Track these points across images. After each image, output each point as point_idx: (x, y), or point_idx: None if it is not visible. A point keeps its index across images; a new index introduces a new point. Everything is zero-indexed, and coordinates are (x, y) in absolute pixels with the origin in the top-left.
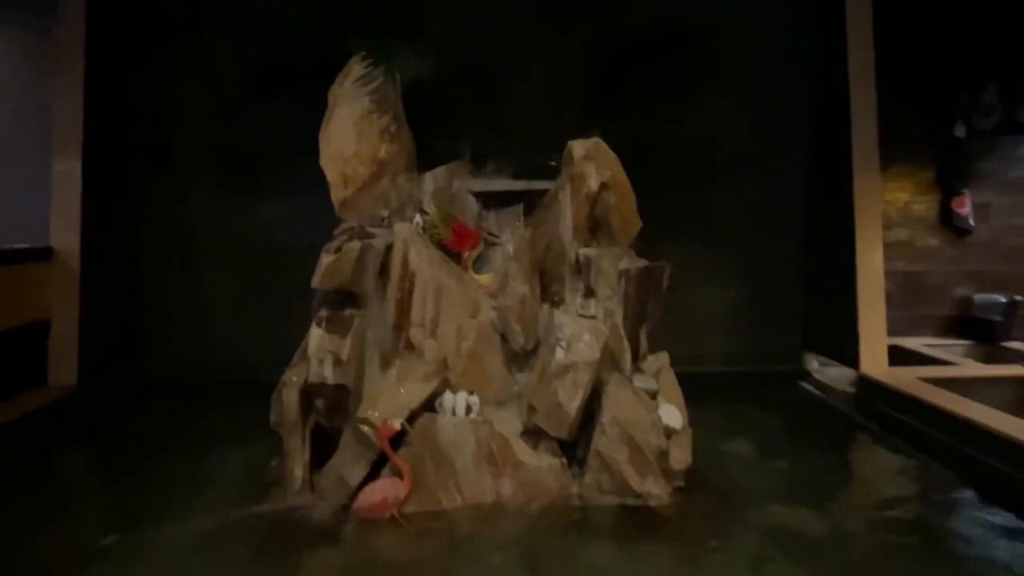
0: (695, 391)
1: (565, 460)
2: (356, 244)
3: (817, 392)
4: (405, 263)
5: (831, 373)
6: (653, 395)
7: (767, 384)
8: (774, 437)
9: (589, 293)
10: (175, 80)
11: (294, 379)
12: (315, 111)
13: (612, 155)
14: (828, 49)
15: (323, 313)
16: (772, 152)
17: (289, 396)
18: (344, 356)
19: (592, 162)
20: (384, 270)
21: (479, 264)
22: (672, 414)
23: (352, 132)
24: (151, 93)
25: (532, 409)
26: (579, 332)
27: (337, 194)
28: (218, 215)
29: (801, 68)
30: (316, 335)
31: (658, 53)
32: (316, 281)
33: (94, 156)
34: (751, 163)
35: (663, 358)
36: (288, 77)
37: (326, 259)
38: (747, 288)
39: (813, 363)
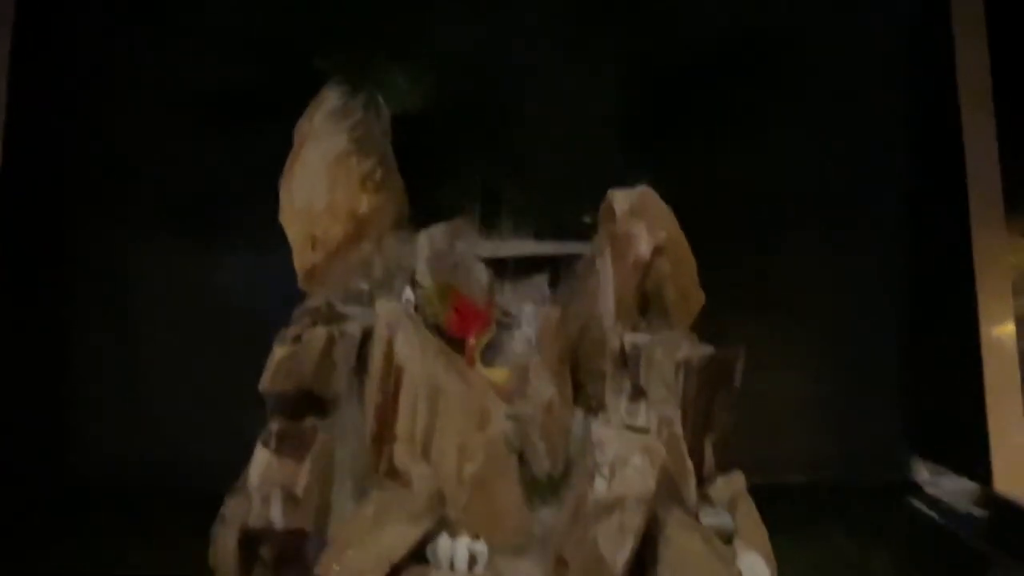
0: (771, 512)
1: None
2: (322, 330)
3: (931, 513)
4: (389, 355)
5: (948, 485)
6: (729, 538)
7: (865, 501)
8: None
9: (638, 395)
10: (110, 108)
11: (236, 513)
12: (287, 143)
13: (665, 208)
14: (931, 69)
15: (273, 427)
16: (862, 198)
17: (225, 540)
18: (299, 489)
19: (640, 219)
20: (361, 365)
21: (490, 355)
22: (757, 568)
23: (323, 179)
24: (82, 123)
25: (562, 563)
26: (626, 453)
27: (302, 260)
28: (165, 275)
29: (898, 93)
30: (261, 460)
31: (721, 74)
32: (265, 382)
33: (9, 200)
34: (837, 212)
35: (737, 481)
36: (254, 103)
37: (279, 352)
38: (834, 372)
39: (923, 472)
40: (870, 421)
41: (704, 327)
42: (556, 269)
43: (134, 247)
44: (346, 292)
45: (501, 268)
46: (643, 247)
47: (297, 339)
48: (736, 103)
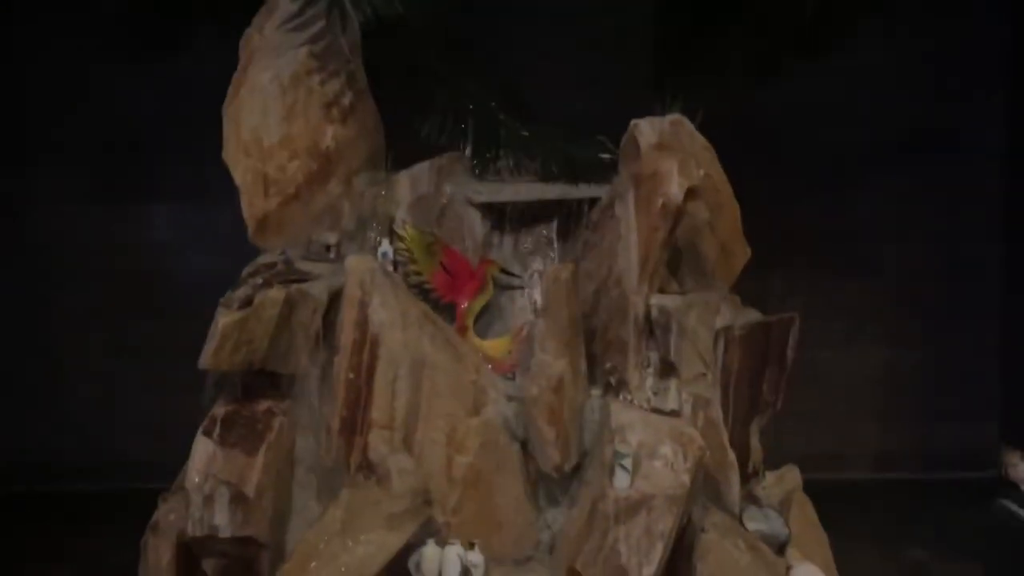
0: (835, 515)
1: None
2: (278, 292)
3: None
4: (362, 323)
5: None
6: (781, 547)
7: (948, 501)
8: None
9: (668, 371)
10: (21, 36)
11: (170, 519)
12: (231, 62)
13: (702, 142)
14: None
15: (218, 412)
16: (951, 133)
17: (158, 553)
18: (251, 488)
19: (671, 154)
20: (327, 335)
21: (486, 323)
22: None
23: (277, 106)
24: None
25: None
26: (654, 442)
27: (252, 207)
28: (86, 232)
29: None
30: (203, 453)
31: None
32: (207, 357)
33: None
34: (917, 150)
35: (791, 478)
36: (186, 9)
37: (225, 319)
38: (911, 349)
39: (1018, 467)
40: (953, 407)
41: (750, 289)
42: (567, 217)
43: (54, 197)
44: (308, 246)
45: (499, 216)
46: (674, 189)
47: (247, 303)
48: (800, 5)
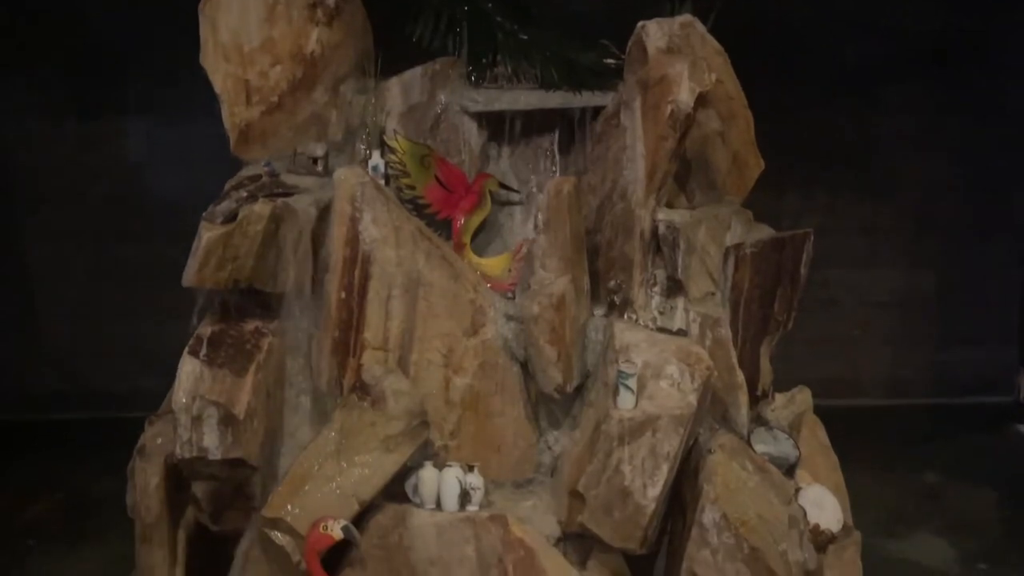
0: (848, 443)
1: None
2: (263, 206)
3: None
4: (353, 239)
5: None
6: (790, 469)
7: (962, 427)
8: (987, 529)
9: (675, 289)
10: None
11: (158, 442)
12: None
13: (715, 46)
14: None
15: (204, 331)
16: (976, 47)
17: (146, 477)
18: (240, 409)
19: (681, 58)
20: (316, 252)
21: (483, 239)
22: (825, 505)
23: (258, 7)
24: None
25: (577, 498)
26: (660, 362)
27: (233, 116)
28: (57, 150)
29: None
30: (190, 373)
31: None
32: (191, 274)
33: None
34: (941, 63)
35: (802, 400)
36: None
37: (208, 234)
38: (928, 271)
39: None
40: (975, 332)
41: (762, 206)
42: (568, 127)
43: (22, 112)
44: (294, 158)
45: (497, 127)
46: (683, 95)
47: (231, 218)
48: None
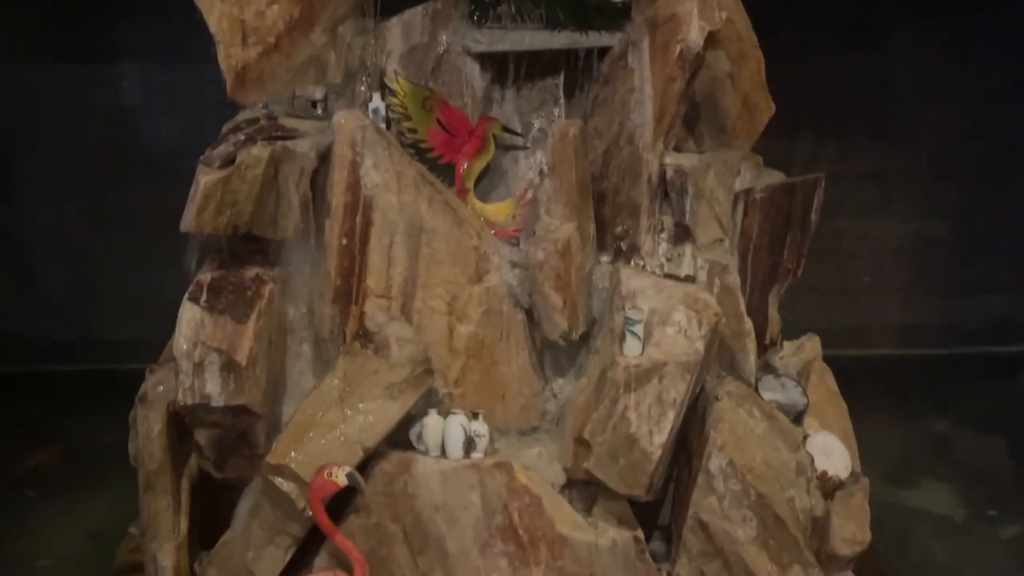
0: (858, 393)
1: (641, 534)
2: (262, 150)
3: None
4: (354, 184)
5: None
6: (799, 416)
7: (975, 378)
8: (996, 477)
9: (683, 235)
10: None
11: (159, 390)
12: None
13: None
14: None
15: (204, 278)
16: None
17: (148, 424)
18: (242, 355)
19: None
20: (317, 197)
21: (487, 185)
22: (834, 452)
23: None
24: None
25: (583, 446)
26: (667, 308)
27: (230, 59)
28: (50, 94)
29: None
30: (190, 319)
31: None
32: (189, 219)
33: None
34: (956, 3)
35: (811, 348)
36: None
37: (206, 178)
38: (942, 218)
39: None
40: (988, 281)
41: (772, 152)
42: (574, 69)
43: (9, 54)
44: (292, 101)
45: (501, 68)
46: (693, 34)
47: (229, 162)
48: None
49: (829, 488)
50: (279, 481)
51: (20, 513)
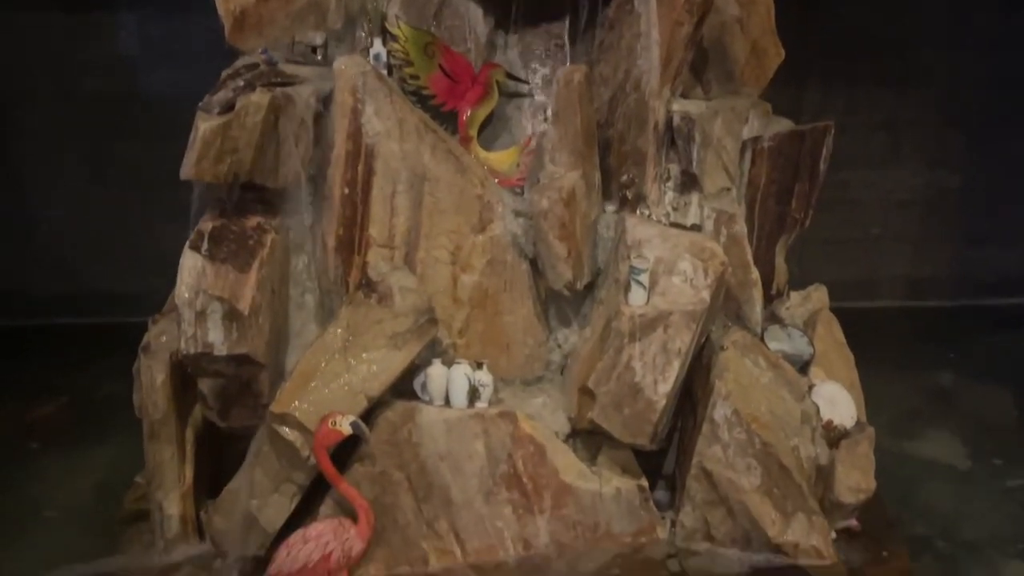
0: (865, 344)
1: (645, 483)
2: (262, 96)
3: None
4: (355, 132)
5: None
6: (804, 366)
7: (983, 330)
8: (1005, 431)
9: (689, 183)
10: None
11: (162, 340)
12: None
13: None
14: None
15: (205, 225)
16: None
17: (151, 374)
18: (244, 304)
19: None
20: (318, 145)
21: (491, 133)
22: (839, 402)
23: None
24: None
25: (588, 395)
26: (673, 257)
27: (228, 3)
28: (47, 45)
29: None
30: (192, 267)
31: None
32: (189, 166)
33: None
34: None
35: (818, 298)
36: None
37: (205, 125)
38: (952, 169)
39: None
40: (998, 233)
41: (781, 101)
42: (579, 14)
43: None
44: (292, 47)
45: (504, 13)
46: None
47: (228, 108)
48: None
49: (834, 437)
50: (283, 430)
51: (26, 465)
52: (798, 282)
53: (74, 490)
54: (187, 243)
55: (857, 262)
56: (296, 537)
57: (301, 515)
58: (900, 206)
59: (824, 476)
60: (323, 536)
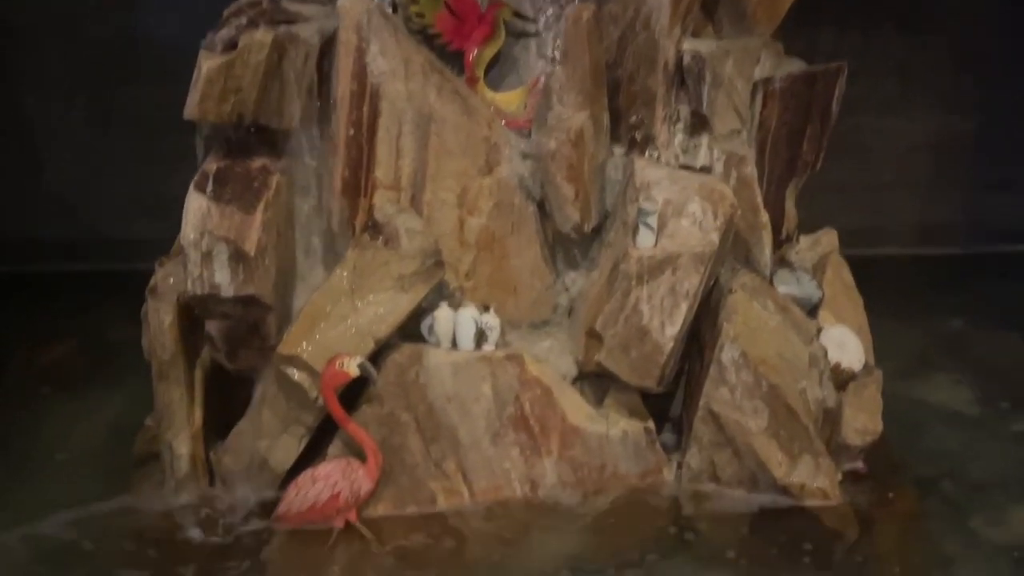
0: (874, 291)
1: (652, 425)
2: (265, 34)
3: None
4: (360, 72)
5: None
6: (813, 310)
7: (995, 277)
8: (1012, 376)
9: (699, 125)
10: None
11: (169, 282)
12: None
13: None
14: None
15: (210, 167)
16: None
17: (159, 316)
18: (251, 246)
19: None
20: (322, 87)
21: (498, 73)
22: (847, 345)
23: None
24: None
25: (595, 338)
26: (682, 199)
27: None
28: None
29: None
30: (197, 209)
31: None
32: (193, 106)
33: None
34: None
35: (828, 241)
36: None
37: (208, 63)
38: (965, 114)
39: None
40: (1010, 179)
41: (793, 43)
42: None
43: None
44: None
45: None
46: None
47: (231, 46)
48: None
49: (842, 380)
50: (291, 371)
51: (37, 409)
52: (807, 229)
53: (85, 433)
54: (192, 184)
55: (868, 208)
56: (305, 477)
57: (310, 456)
58: (912, 151)
59: (831, 418)
60: (332, 476)
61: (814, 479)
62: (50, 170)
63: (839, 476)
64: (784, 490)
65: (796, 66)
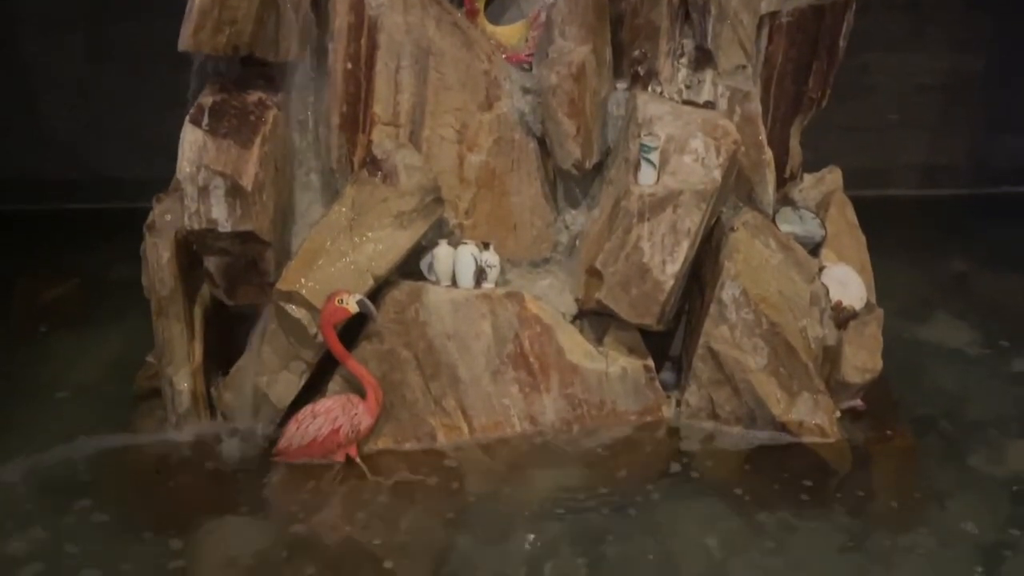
0: (878, 232)
1: (651, 363)
2: None
3: None
4: (358, 5)
5: None
6: (816, 248)
7: (999, 218)
8: (1014, 316)
9: (703, 60)
10: None
11: (167, 218)
12: None
13: None
14: None
15: (206, 100)
16: None
17: (157, 252)
18: (248, 180)
19: None
20: (319, 19)
21: (498, 6)
22: (849, 283)
23: None
24: None
25: (595, 276)
26: (685, 135)
27: None
28: None
29: None
30: (193, 142)
31: None
32: (187, 38)
33: None
34: None
35: (832, 180)
36: None
37: None
38: (976, 52)
39: None
40: (1018, 120)
41: None
42: None
43: None
44: None
45: None
46: None
47: None
48: None
49: (843, 318)
50: (290, 308)
51: (38, 347)
52: (813, 168)
53: (86, 370)
54: (187, 117)
55: (874, 149)
56: (305, 412)
57: (310, 392)
58: (920, 91)
59: (831, 356)
60: (332, 411)
61: (812, 416)
62: (48, 109)
63: (838, 414)
64: (782, 427)
65: (803, 0)
